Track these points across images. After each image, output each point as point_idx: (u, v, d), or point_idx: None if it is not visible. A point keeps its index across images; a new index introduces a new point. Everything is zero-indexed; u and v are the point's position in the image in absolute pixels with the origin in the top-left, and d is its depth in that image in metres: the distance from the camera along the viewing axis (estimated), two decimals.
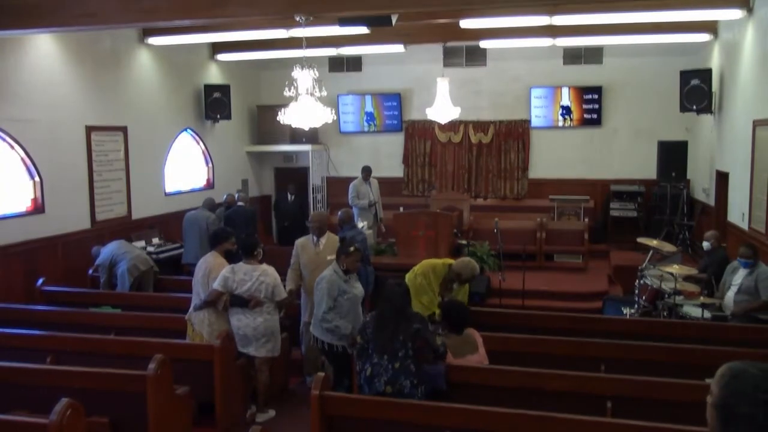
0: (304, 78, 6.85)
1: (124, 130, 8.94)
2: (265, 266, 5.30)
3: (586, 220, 10.70)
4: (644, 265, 6.97)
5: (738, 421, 1.49)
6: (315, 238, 5.85)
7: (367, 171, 9.98)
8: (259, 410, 5.35)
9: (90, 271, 7.48)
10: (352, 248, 5.06)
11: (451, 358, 4.24)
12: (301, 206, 11.21)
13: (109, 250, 7.28)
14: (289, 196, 11.01)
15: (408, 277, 5.56)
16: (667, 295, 6.34)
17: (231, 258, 5.45)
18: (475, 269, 5.52)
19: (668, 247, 7.19)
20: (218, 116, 10.85)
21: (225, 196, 9.48)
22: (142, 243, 8.51)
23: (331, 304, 4.85)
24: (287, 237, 10.45)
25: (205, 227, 8.07)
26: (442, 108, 10.55)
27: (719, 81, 9.18)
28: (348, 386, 4.88)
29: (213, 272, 5.26)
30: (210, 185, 11.23)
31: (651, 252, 7.20)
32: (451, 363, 4.23)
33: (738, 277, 6.00)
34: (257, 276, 5.16)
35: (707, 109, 9.24)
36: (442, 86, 10.64)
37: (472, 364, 4.31)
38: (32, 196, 7.51)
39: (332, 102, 11.17)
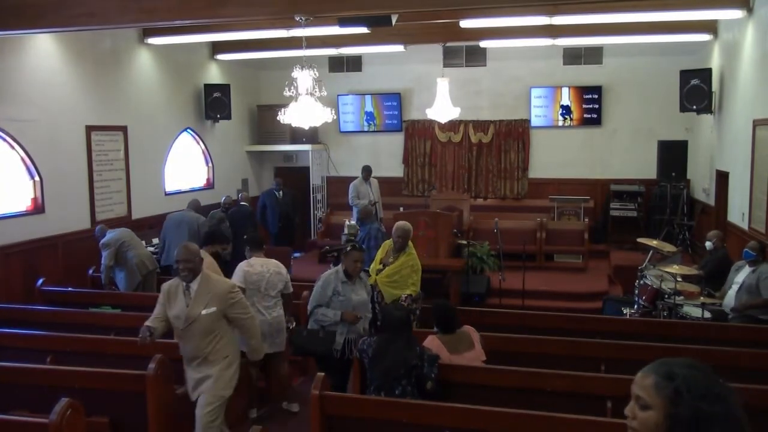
0: (304, 78, 6.86)
1: (124, 130, 8.94)
2: (275, 260, 5.38)
3: (586, 220, 10.70)
4: (644, 265, 6.97)
5: (711, 424, 1.47)
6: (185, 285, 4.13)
7: (367, 171, 9.98)
8: (289, 402, 5.44)
9: (90, 271, 7.47)
10: (349, 247, 5.06)
11: (448, 355, 4.24)
12: (293, 202, 10.62)
13: (117, 232, 7.20)
14: (276, 193, 10.34)
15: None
16: (667, 295, 6.34)
17: (218, 260, 5.39)
18: (400, 224, 5.86)
19: (668, 247, 7.19)
20: (218, 116, 10.85)
21: (224, 198, 9.35)
22: (142, 243, 8.49)
23: (322, 302, 4.89)
24: (284, 240, 10.36)
25: (195, 229, 7.84)
26: (442, 108, 10.55)
27: (719, 81, 9.18)
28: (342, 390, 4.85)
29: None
30: (210, 185, 11.23)
31: (651, 252, 7.20)
32: (449, 360, 4.22)
33: (741, 276, 6.01)
34: (272, 268, 5.24)
35: (707, 108, 9.24)
36: (442, 86, 10.64)
37: (468, 360, 4.31)
38: (32, 196, 7.52)
39: (332, 102, 11.16)
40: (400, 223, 5.94)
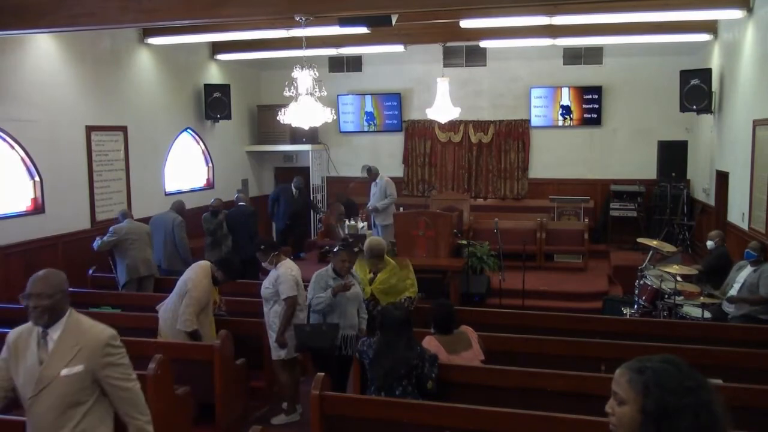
0: (304, 78, 6.86)
1: (124, 130, 8.94)
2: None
3: (586, 220, 10.70)
4: (644, 265, 6.98)
5: (680, 417, 1.49)
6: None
7: (366, 170, 10.01)
8: (290, 409, 5.36)
9: (90, 271, 7.48)
10: (337, 248, 5.16)
11: (446, 355, 4.24)
12: (306, 204, 10.81)
13: (132, 226, 7.32)
14: (293, 190, 10.48)
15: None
16: (667, 295, 6.34)
17: (215, 282, 5.34)
18: (372, 244, 5.55)
19: (668, 247, 7.20)
20: (218, 116, 10.85)
21: (213, 201, 9.07)
22: (147, 246, 8.43)
23: (319, 293, 4.98)
24: (288, 239, 10.39)
25: (170, 228, 7.78)
26: (442, 108, 10.56)
27: (719, 81, 9.18)
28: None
29: (194, 291, 5.07)
30: (210, 185, 11.23)
31: (651, 252, 7.21)
32: (447, 361, 4.22)
33: (743, 276, 6.01)
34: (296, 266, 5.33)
35: (707, 109, 9.24)
36: (442, 86, 10.65)
37: (466, 360, 4.31)
38: (32, 196, 7.52)
39: (332, 102, 11.17)
40: (372, 242, 5.67)
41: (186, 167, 10.65)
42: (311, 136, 11.82)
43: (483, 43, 10.62)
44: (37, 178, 7.51)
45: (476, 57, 11.99)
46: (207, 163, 11.24)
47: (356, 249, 5.16)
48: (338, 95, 12.38)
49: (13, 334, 2.90)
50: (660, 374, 1.53)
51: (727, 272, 6.42)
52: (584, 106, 11.71)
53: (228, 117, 10.94)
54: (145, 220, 9.17)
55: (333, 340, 4.87)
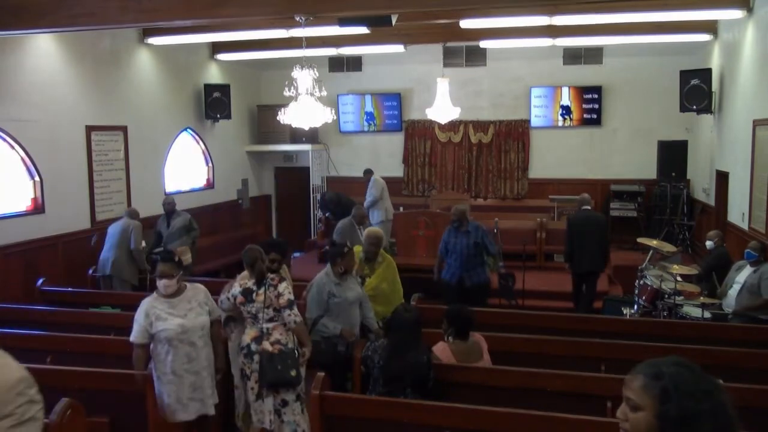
0: (304, 78, 6.86)
1: (124, 130, 8.94)
2: None
3: None
4: (644, 265, 6.98)
5: (701, 421, 1.48)
6: None
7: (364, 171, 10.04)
8: None
9: (90, 271, 7.48)
10: (346, 249, 5.02)
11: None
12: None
13: (112, 225, 7.50)
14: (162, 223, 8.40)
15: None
16: (667, 295, 6.34)
17: None
18: (371, 232, 5.61)
19: (668, 247, 7.19)
20: (218, 116, 10.85)
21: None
22: (142, 244, 8.43)
23: (322, 308, 4.82)
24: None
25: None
26: (442, 108, 10.56)
27: (719, 81, 9.18)
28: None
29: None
30: (210, 185, 11.23)
31: (651, 252, 7.21)
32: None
33: (742, 276, 6.00)
34: None
35: (707, 108, 9.24)
36: (442, 86, 10.64)
37: None
38: (32, 196, 7.52)
39: (332, 102, 11.16)
40: (370, 230, 5.73)
41: (186, 167, 10.65)
42: (311, 136, 11.82)
43: (483, 43, 10.62)
44: (37, 178, 7.51)
45: (476, 57, 11.99)
46: (207, 163, 11.24)
47: (346, 249, 5.01)
48: (338, 95, 12.38)
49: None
50: (677, 378, 1.51)
51: (726, 273, 6.41)
52: (584, 106, 11.71)
53: (228, 117, 10.94)
54: (146, 221, 9.16)
55: (332, 354, 4.76)
